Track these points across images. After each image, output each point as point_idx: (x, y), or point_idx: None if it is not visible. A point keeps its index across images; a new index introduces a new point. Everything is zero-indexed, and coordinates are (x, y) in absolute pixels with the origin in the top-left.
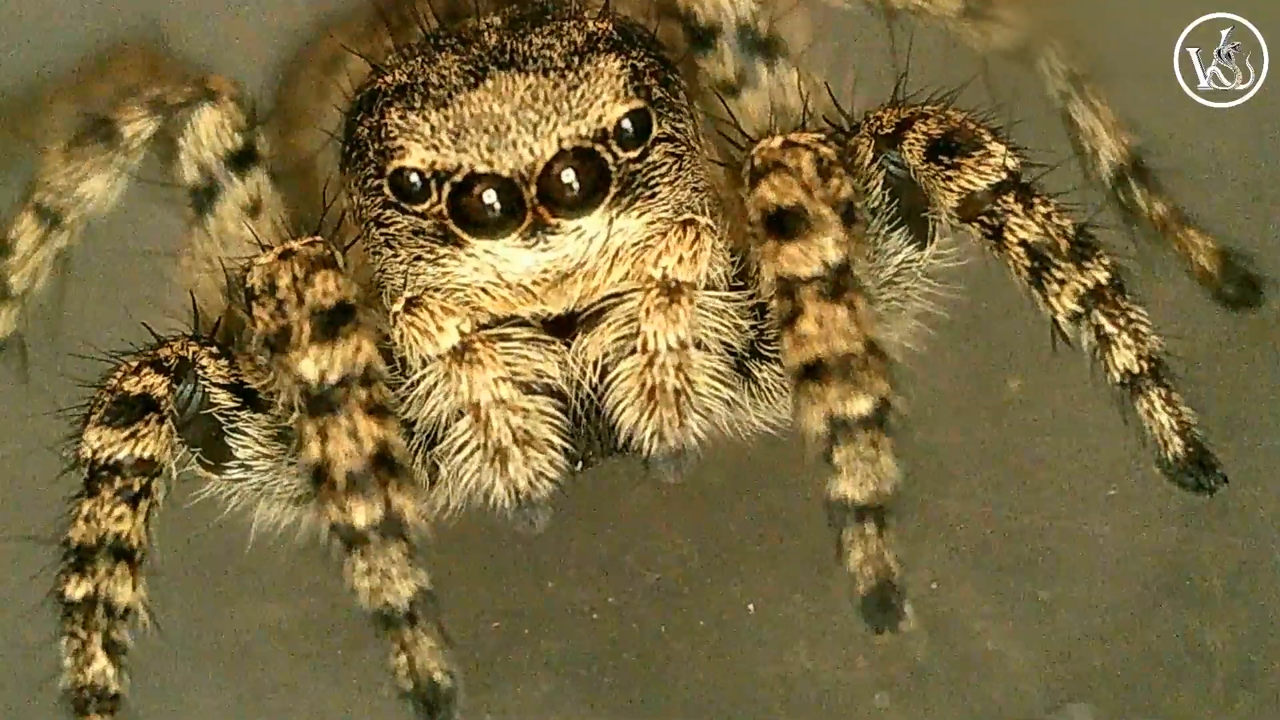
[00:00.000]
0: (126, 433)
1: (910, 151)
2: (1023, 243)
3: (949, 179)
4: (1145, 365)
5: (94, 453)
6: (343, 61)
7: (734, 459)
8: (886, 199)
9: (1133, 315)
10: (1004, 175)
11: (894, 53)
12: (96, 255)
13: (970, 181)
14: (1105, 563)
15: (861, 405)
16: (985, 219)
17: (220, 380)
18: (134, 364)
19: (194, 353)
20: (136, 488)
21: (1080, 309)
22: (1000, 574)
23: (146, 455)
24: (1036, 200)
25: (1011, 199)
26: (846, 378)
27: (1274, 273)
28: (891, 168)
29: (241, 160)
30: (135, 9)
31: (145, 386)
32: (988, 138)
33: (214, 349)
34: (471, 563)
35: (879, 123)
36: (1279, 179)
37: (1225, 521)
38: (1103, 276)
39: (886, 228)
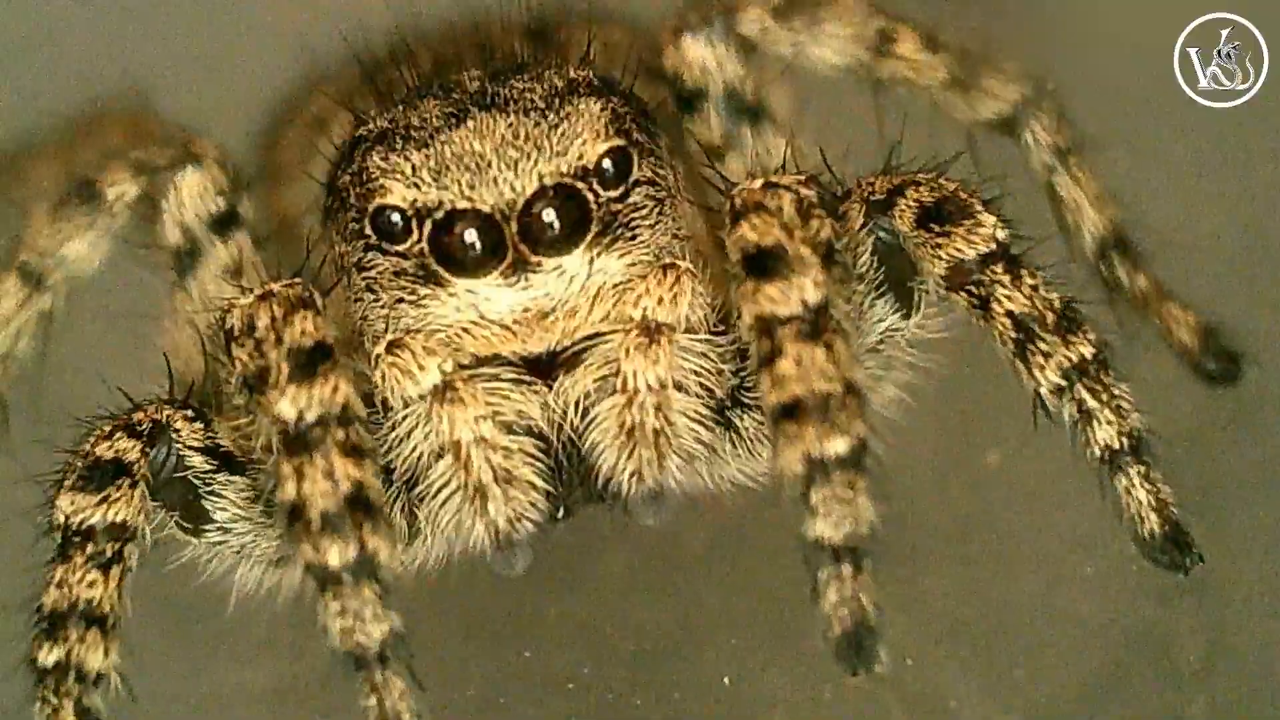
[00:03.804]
0: (98, 497)
1: (901, 218)
2: (1009, 314)
3: (938, 246)
4: (1125, 441)
5: (66, 518)
6: (327, 121)
7: (713, 526)
8: (874, 266)
9: (1115, 391)
10: (994, 245)
11: (880, 122)
12: (79, 316)
13: (959, 250)
14: (1082, 639)
15: (839, 445)
16: (973, 288)
17: (195, 443)
18: (107, 428)
19: (168, 416)
20: (109, 553)
21: (1064, 383)
22: (977, 649)
23: (119, 520)
24: (1025, 272)
25: (1000, 269)
26: (824, 418)
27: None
28: (881, 234)
29: (224, 223)
30: (120, 70)
31: (118, 451)
32: (979, 208)
33: (189, 412)
34: (448, 628)
35: (871, 188)
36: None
37: (1201, 598)
38: (1087, 351)
39: (873, 295)
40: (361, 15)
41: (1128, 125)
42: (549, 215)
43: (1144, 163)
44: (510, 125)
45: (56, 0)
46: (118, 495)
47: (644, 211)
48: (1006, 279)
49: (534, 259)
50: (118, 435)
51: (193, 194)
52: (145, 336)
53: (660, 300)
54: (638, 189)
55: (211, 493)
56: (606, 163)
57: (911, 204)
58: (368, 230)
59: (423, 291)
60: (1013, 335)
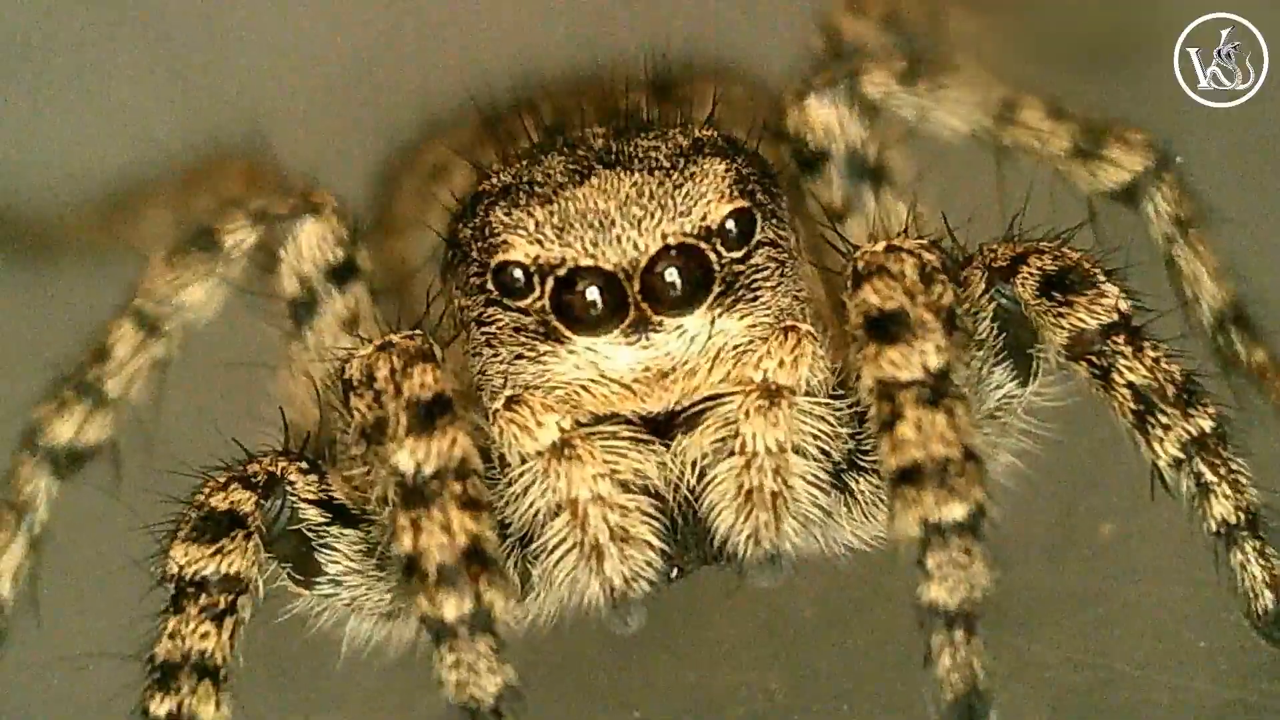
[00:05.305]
0: (213, 549)
1: (1023, 286)
2: (1130, 385)
3: (1060, 316)
4: (1242, 516)
5: (180, 569)
6: (445, 171)
7: (825, 593)
8: (994, 332)
9: (1233, 466)
10: (1116, 316)
11: (1000, 189)
12: (193, 365)
13: (1082, 320)
14: (1192, 714)
15: (957, 511)
16: (1094, 358)
17: (309, 496)
18: (222, 480)
19: (283, 468)
20: (222, 605)
21: (1182, 456)
22: None
23: (233, 572)
24: (1146, 344)
25: (1122, 341)
26: (943, 483)
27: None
28: (1002, 301)
29: (342, 274)
30: (237, 116)
31: (232, 502)
32: (1102, 278)
33: (303, 464)
34: (556, 688)
35: (993, 255)
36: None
37: None
38: (1207, 425)
39: (991, 361)
40: (479, 66)
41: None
42: (672, 275)
43: None
44: (635, 183)
45: (174, 48)
46: (232, 547)
47: (766, 273)
48: (1128, 350)
49: (655, 318)
50: (233, 486)
51: (311, 244)
52: (259, 386)
53: (781, 362)
54: (760, 250)
55: (324, 545)
56: (730, 224)
57: (1034, 272)
58: (489, 285)
59: (543, 348)
60: (1133, 407)
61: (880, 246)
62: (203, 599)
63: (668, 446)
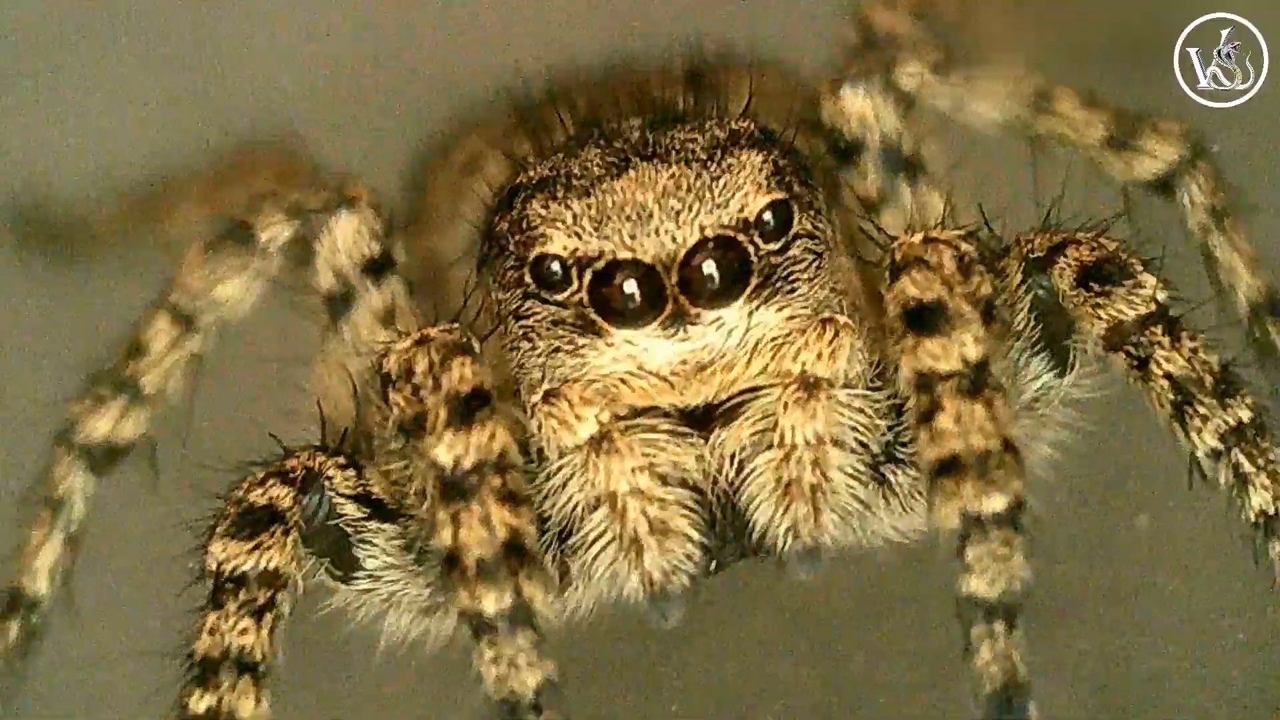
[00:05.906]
0: (251, 544)
1: (1061, 276)
2: (1168, 375)
3: (1098, 306)
4: None
5: (219, 565)
6: (479, 163)
7: (861, 588)
8: (1031, 323)
9: (1272, 456)
10: (1154, 307)
11: (1035, 179)
12: (229, 360)
13: (1120, 311)
14: (1232, 705)
15: (996, 503)
16: (1131, 349)
17: (347, 491)
18: (260, 475)
19: (320, 464)
20: (261, 600)
21: (1220, 446)
22: (1126, 714)
23: (271, 567)
24: (1184, 334)
25: (1159, 331)
26: (982, 475)
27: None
28: (1039, 292)
29: (378, 267)
30: (270, 110)
31: (271, 498)
32: (1139, 268)
33: (341, 459)
34: (594, 684)
35: (1030, 246)
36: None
37: None
38: (1245, 415)
39: (1029, 352)
40: (513, 57)
41: None
42: (709, 267)
43: None
44: (672, 176)
45: (204, 42)
46: (271, 542)
47: (803, 265)
48: (1166, 341)
49: (693, 311)
50: (271, 482)
51: (347, 238)
52: (295, 381)
53: (819, 354)
54: (797, 242)
55: (362, 540)
56: (768, 215)
57: (1071, 263)
58: (527, 278)
59: (581, 341)
60: (1170, 397)
61: (918, 238)
62: (242, 594)
63: (706, 439)
